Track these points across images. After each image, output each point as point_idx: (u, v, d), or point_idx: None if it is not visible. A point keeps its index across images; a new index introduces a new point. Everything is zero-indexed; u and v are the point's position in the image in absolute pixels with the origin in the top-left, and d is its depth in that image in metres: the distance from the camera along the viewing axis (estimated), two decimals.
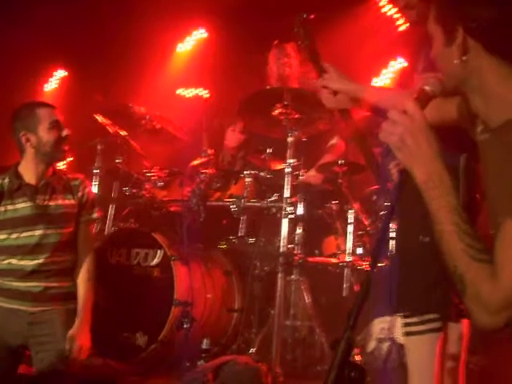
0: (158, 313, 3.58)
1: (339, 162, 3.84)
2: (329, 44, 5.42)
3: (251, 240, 3.76)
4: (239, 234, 3.75)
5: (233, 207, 3.70)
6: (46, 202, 3.03)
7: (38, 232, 2.98)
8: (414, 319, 2.56)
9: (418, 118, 1.60)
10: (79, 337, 2.90)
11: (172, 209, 4.01)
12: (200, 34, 6.32)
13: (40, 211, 3.01)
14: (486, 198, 1.82)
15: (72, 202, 3.10)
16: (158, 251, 3.68)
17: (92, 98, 6.25)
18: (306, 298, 3.76)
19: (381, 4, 5.41)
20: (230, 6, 5.79)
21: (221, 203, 3.84)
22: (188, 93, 6.27)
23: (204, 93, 6.21)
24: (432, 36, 1.74)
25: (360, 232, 3.74)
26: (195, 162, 4.01)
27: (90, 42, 6.09)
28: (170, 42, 6.35)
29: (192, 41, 6.34)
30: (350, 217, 3.71)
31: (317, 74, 2.59)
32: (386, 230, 1.68)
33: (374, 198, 3.82)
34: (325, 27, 5.48)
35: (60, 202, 3.07)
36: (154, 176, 4.06)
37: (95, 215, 3.20)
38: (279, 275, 3.46)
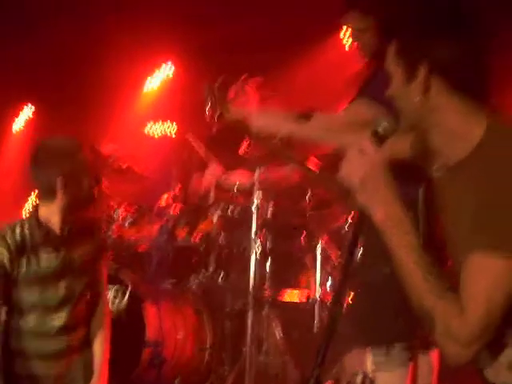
0: (128, 354, 3.52)
1: (306, 197, 3.86)
2: (295, 78, 5.53)
3: (221, 277, 3.74)
4: (208, 271, 3.74)
5: (201, 244, 3.69)
6: (70, 253, 2.72)
7: (63, 287, 2.70)
8: (381, 352, 2.56)
9: (376, 160, 1.63)
10: None
11: (140, 248, 3.98)
12: (168, 70, 6.36)
13: (65, 263, 2.70)
14: (445, 233, 1.83)
15: (92, 248, 2.81)
16: (127, 291, 3.64)
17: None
18: (277, 333, 3.74)
19: (345, 40, 5.49)
20: (197, 41, 5.84)
21: (189, 240, 3.82)
22: (156, 128, 6.28)
23: (172, 128, 6.23)
24: (391, 73, 1.74)
25: (329, 266, 3.75)
26: (163, 199, 4.00)
27: (57, 80, 6.09)
28: (138, 78, 6.37)
29: (160, 76, 6.37)
30: (319, 251, 3.71)
31: (249, 134, 2.62)
32: (349, 264, 1.68)
33: (344, 231, 3.83)
34: (292, 61, 5.59)
35: (83, 251, 2.77)
36: (121, 214, 4.03)
37: (108, 257, 3.06)
38: (249, 312, 3.44)
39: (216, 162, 4.22)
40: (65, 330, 2.73)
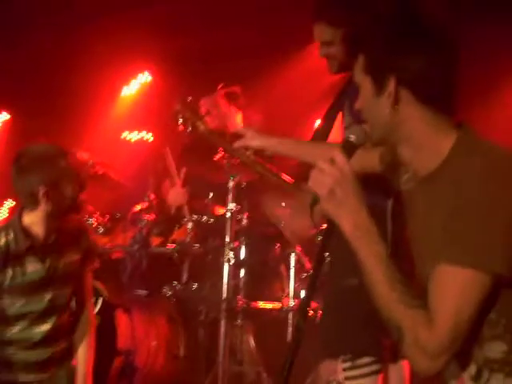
0: (99, 362, 3.48)
1: (282, 204, 3.86)
2: (273, 87, 5.55)
3: (194, 286, 3.72)
4: (182, 280, 3.72)
5: (175, 253, 3.67)
6: (55, 263, 2.68)
7: (48, 296, 2.67)
8: (349, 364, 2.56)
9: (346, 170, 1.62)
10: None
11: (114, 256, 3.96)
12: (145, 78, 6.35)
13: (50, 273, 2.67)
14: (412, 245, 1.84)
15: (78, 256, 2.78)
16: (99, 299, 3.61)
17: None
18: (251, 343, 3.73)
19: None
20: (174, 50, 5.84)
21: (163, 249, 3.80)
22: (132, 137, 6.26)
23: (148, 136, 6.21)
24: (359, 86, 1.74)
25: (303, 275, 3.75)
26: (137, 208, 3.98)
27: (33, 86, 6.05)
28: (115, 86, 6.35)
29: (137, 84, 6.36)
30: (293, 260, 3.71)
31: (222, 147, 2.65)
32: (315, 277, 1.68)
33: (317, 240, 3.83)
34: (269, 70, 5.60)
35: (68, 259, 2.74)
36: (94, 222, 4.01)
37: (94, 265, 2.94)
38: (222, 321, 3.43)
39: (180, 185, 4.23)
40: (49, 339, 2.71)
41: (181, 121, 2.77)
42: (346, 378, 2.59)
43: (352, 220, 1.62)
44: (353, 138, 1.71)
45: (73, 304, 2.83)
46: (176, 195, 4.28)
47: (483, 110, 4.88)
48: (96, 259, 2.96)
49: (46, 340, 2.70)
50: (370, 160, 2.07)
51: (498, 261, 1.52)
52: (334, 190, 1.61)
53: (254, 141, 2.55)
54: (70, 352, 2.82)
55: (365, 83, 1.71)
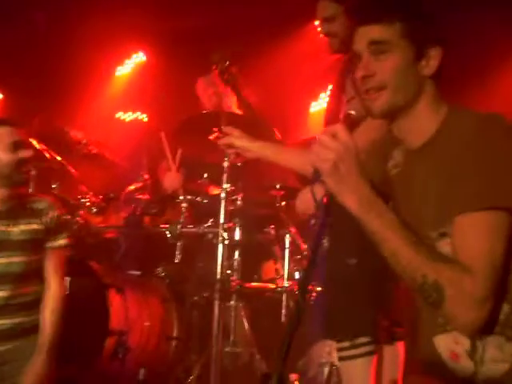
0: (91, 343, 3.48)
1: (277, 185, 3.84)
2: (267, 68, 5.51)
3: (188, 266, 3.70)
4: (175, 261, 3.70)
5: (168, 233, 3.64)
6: (8, 228, 2.77)
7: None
8: (345, 344, 2.57)
9: (349, 145, 1.60)
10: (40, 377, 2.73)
11: (107, 235, 3.93)
12: (139, 58, 6.29)
13: (1, 238, 2.76)
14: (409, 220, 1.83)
15: (38, 227, 2.84)
16: (92, 279, 3.59)
17: (31, 123, 6.13)
18: (245, 324, 3.72)
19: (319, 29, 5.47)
20: (169, 29, 5.79)
21: (157, 229, 3.77)
22: (127, 117, 6.21)
23: (143, 116, 6.17)
24: (383, 50, 1.73)
25: (297, 256, 3.73)
26: (131, 187, 3.94)
27: (26, 65, 5.99)
28: (109, 66, 6.30)
29: (131, 64, 6.30)
30: (285, 241, 3.68)
31: (238, 105, 2.67)
32: (315, 255, 1.66)
33: (312, 222, 3.81)
34: (263, 51, 5.56)
35: (23, 227, 2.81)
36: (88, 202, 3.98)
37: (62, 241, 2.96)
38: (215, 302, 3.41)
39: (175, 170, 4.22)
40: (8, 308, 2.75)
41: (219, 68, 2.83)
42: (341, 358, 2.59)
43: (356, 195, 1.60)
44: (354, 112, 1.70)
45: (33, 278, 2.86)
46: (172, 180, 4.26)
47: (480, 90, 4.88)
48: (64, 236, 2.99)
49: (5, 309, 2.75)
50: None
51: (509, 197, 1.55)
52: (338, 165, 1.59)
53: (239, 141, 2.57)
54: (34, 326, 2.84)
55: (398, 48, 1.71)
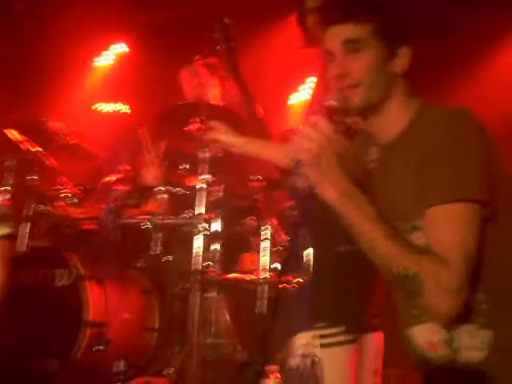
0: (69, 335, 3.44)
1: (256, 177, 3.83)
2: (246, 60, 5.48)
3: (168, 257, 3.68)
4: (156, 251, 3.68)
5: (148, 224, 3.62)
6: None
7: None
8: (327, 331, 2.57)
9: (331, 137, 1.62)
10: None
11: (86, 227, 3.89)
12: (120, 48, 6.24)
13: None
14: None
15: None
16: (71, 271, 3.55)
17: (9, 113, 6.07)
18: (226, 315, 3.71)
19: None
20: (150, 20, 5.76)
21: (136, 220, 3.74)
22: (107, 108, 6.16)
23: (123, 108, 6.13)
24: (356, 48, 1.76)
25: (279, 248, 3.72)
26: (109, 178, 3.91)
27: (4, 55, 5.91)
28: (89, 56, 6.24)
29: (112, 55, 6.25)
30: (265, 233, 3.67)
31: (234, 82, 2.68)
32: (295, 244, 1.68)
33: (292, 213, 3.81)
34: (243, 43, 5.53)
35: None
36: (67, 193, 3.94)
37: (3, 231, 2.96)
38: (193, 293, 3.40)
39: (157, 165, 4.20)
40: None
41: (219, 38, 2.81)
42: (322, 345, 2.60)
43: (336, 186, 1.62)
44: (334, 102, 1.71)
45: None
46: (154, 176, 4.26)
47: (474, 81, 4.92)
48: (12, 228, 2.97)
49: None
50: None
51: (480, 189, 1.58)
52: (319, 156, 1.61)
53: (225, 136, 2.57)
54: None
55: (371, 47, 1.75)
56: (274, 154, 2.68)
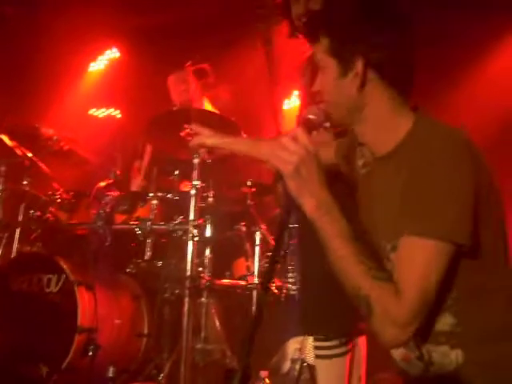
0: (60, 341, 3.44)
1: (248, 182, 3.84)
2: (241, 65, 5.50)
3: (159, 263, 3.68)
4: (147, 257, 3.69)
5: (138, 230, 3.62)
6: None
7: None
8: (323, 344, 2.58)
9: (310, 149, 1.63)
10: None
11: (78, 232, 3.90)
12: (112, 54, 6.25)
13: None
14: (365, 228, 1.86)
15: None
16: (61, 276, 3.55)
17: (2, 119, 6.07)
18: (216, 321, 3.72)
19: None
20: (142, 26, 5.76)
21: (127, 226, 3.75)
22: (100, 113, 6.17)
23: (116, 113, 6.14)
24: (320, 67, 1.76)
25: (268, 253, 3.73)
26: (102, 184, 3.92)
27: None
28: (82, 62, 6.25)
29: (104, 60, 6.26)
30: (258, 238, 3.68)
31: (269, 76, 2.67)
32: (277, 252, 1.68)
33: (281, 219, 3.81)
34: (238, 47, 5.55)
35: None
36: (58, 198, 3.95)
37: None
38: (186, 299, 3.40)
39: (142, 177, 4.23)
40: None
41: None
42: (319, 356, 2.60)
43: (315, 198, 1.63)
44: (312, 116, 1.72)
45: None
46: (137, 186, 4.32)
47: (467, 85, 4.94)
48: None
49: None
50: (325, 154, 2.10)
51: (461, 232, 1.56)
52: (299, 169, 1.61)
53: (210, 139, 2.56)
54: None
55: (328, 65, 1.73)
56: (263, 152, 2.65)
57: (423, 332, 1.64)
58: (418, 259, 1.56)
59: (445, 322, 1.65)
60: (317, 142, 1.71)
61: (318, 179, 1.63)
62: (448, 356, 1.64)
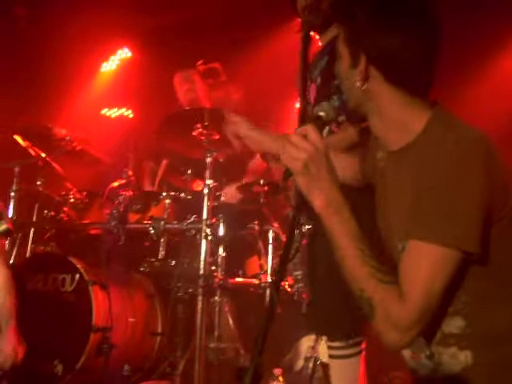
0: (75, 340, 3.48)
1: (260, 181, 3.84)
2: (253, 63, 5.50)
3: (172, 262, 3.70)
4: (160, 256, 3.70)
5: (151, 229, 3.64)
6: None
7: None
8: (338, 343, 2.57)
9: (320, 146, 1.61)
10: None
11: (91, 232, 3.92)
12: (124, 54, 6.27)
13: None
14: (380, 226, 1.85)
15: None
16: (76, 276, 3.59)
17: (16, 120, 6.10)
18: (229, 319, 3.73)
19: None
20: (154, 26, 5.78)
21: (140, 225, 3.76)
22: (112, 113, 6.19)
23: (128, 113, 6.15)
24: (340, 54, 1.76)
25: (280, 252, 3.73)
26: (115, 184, 3.94)
27: (9, 62, 5.94)
28: (94, 62, 6.26)
29: (116, 60, 6.28)
30: (271, 237, 3.69)
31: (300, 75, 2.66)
32: (288, 250, 1.67)
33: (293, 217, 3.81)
34: (249, 46, 5.55)
35: None
36: (72, 198, 3.97)
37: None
38: (199, 298, 3.41)
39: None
40: None
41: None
42: (334, 356, 2.60)
43: (324, 196, 1.61)
44: (322, 113, 1.71)
45: None
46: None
47: (485, 80, 4.93)
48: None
49: None
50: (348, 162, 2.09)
51: (469, 239, 1.54)
52: (308, 166, 1.60)
53: (243, 128, 2.51)
54: None
55: (344, 54, 1.73)
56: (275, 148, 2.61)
57: (432, 334, 1.65)
58: (423, 264, 1.54)
59: (455, 325, 1.64)
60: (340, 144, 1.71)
61: (327, 176, 1.62)
62: (457, 357, 1.64)
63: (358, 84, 1.69)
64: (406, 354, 1.76)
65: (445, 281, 1.54)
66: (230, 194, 4.11)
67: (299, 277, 3.46)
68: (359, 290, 1.59)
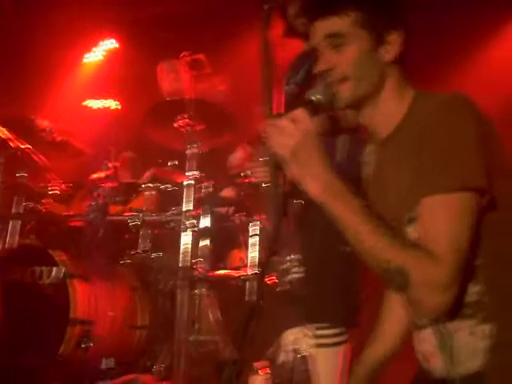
0: (55, 333, 3.43)
1: (242, 173, 3.81)
2: (240, 55, 5.47)
3: (154, 255, 3.66)
4: (142, 248, 3.67)
5: (131, 221, 3.60)
6: None
7: None
8: (325, 332, 2.56)
9: (308, 131, 1.57)
10: None
11: (72, 224, 3.88)
12: (110, 44, 6.21)
13: None
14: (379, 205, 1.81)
15: None
16: (55, 268, 3.53)
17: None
18: (210, 312, 3.70)
19: None
20: (139, 16, 5.73)
21: (121, 217, 3.72)
22: (96, 104, 6.13)
23: (113, 104, 6.09)
24: (343, 42, 1.70)
25: (263, 244, 3.70)
26: (96, 175, 3.90)
27: None
28: (78, 54, 6.21)
29: (101, 51, 6.22)
30: (253, 229, 3.65)
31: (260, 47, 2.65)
32: (275, 240, 1.64)
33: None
34: (237, 38, 5.52)
35: None
36: (52, 190, 3.92)
37: None
38: (180, 290, 3.38)
39: None
40: None
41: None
42: (319, 345, 2.59)
43: (320, 182, 1.56)
44: (317, 96, 1.67)
45: None
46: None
47: (468, 66, 4.93)
48: None
49: None
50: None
51: (478, 176, 1.53)
52: (297, 152, 1.55)
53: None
54: None
55: (357, 38, 1.69)
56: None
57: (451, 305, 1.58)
58: (441, 218, 1.51)
59: (471, 291, 1.59)
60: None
61: (319, 162, 1.56)
62: (474, 333, 1.59)
63: (379, 65, 1.69)
64: (419, 353, 1.72)
65: (469, 227, 1.52)
66: (228, 194, 4.09)
67: (285, 268, 3.44)
68: (385, 262, 1.51)
